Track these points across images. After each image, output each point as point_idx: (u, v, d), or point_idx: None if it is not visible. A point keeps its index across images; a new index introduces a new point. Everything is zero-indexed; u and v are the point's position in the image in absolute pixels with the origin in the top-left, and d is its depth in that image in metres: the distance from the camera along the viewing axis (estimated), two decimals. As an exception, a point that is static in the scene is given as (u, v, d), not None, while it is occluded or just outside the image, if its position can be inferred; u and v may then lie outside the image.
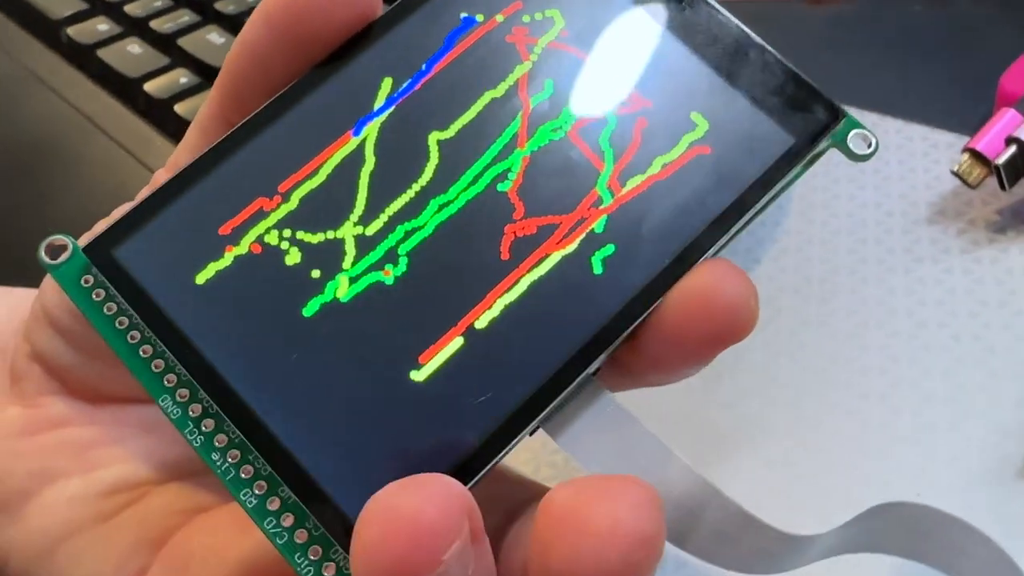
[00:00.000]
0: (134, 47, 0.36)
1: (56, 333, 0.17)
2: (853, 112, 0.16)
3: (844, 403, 0.24)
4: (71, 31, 0.37)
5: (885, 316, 0.26)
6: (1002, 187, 0.27)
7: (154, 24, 0.37)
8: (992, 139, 0.27)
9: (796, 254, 0.28)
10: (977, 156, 0.27)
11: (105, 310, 0.15)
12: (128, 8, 0.38)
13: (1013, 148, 0.26)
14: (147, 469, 0.18)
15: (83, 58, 0.36)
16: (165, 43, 0.36)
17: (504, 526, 0.16)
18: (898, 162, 0.31)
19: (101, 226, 0.16)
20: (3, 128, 0.35)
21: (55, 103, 0.35)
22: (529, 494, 0.16)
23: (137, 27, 0.37)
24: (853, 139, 0.16)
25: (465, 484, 0.14)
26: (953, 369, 0.25)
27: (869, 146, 0.16)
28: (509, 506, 0.16)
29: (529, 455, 0.25)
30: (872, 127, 0.32)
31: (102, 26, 0.37)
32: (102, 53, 0.36)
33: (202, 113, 0.17)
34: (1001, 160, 0.26)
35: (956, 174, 0.27)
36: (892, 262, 0.28)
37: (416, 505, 0.12)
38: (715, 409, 0.25)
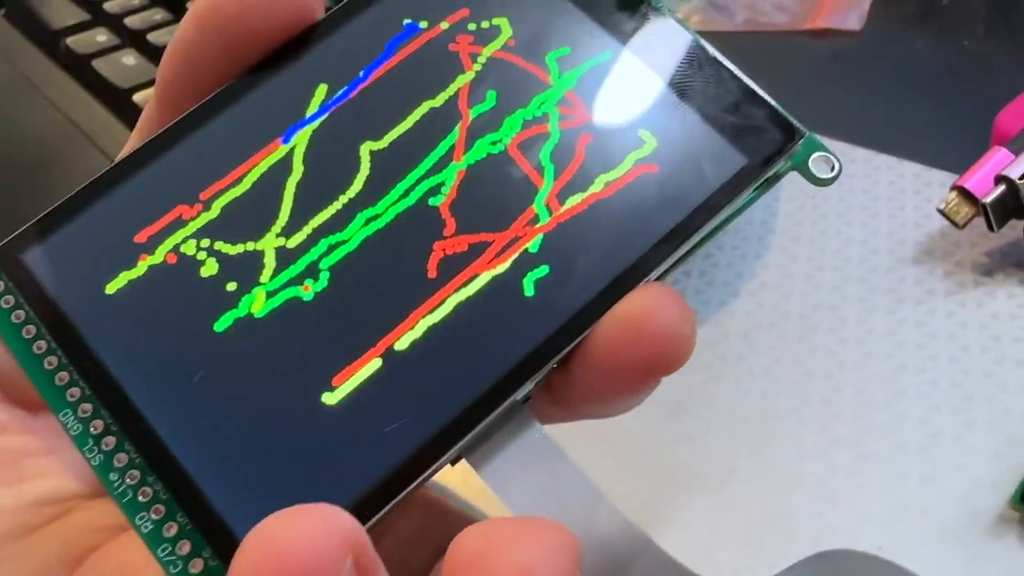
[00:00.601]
0: (129, 58, 0.36)
1: None
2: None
3: (814, 446, 0.24)
4: (70, 41, 0.37)
5: (863, 357, 0.25)
6: (990, 228, 0.26)
7: (151, 37, 0.37)
8: (981, 178, 0.26)
9: (776, 290, 0.28)
10: (965, 194, 0.26)
11: (13, 318, 0.14)
12: (128, 20, 0.38)
13: (1002, 187, 0.25)
14: (78, 483, 0.18)
15: (78, 68, 0.36)
16: (160, 55, 0.36)
17: (435, 560, 0.15)
18: (888, 199, 0.30)
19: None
20: (-4, 134, 0.35)
21: (47, 111, 0.36)
22: (465, 527, 0.16)
23: (135, 39, 0.37)
24: (815, 162, 0.15)
25: (371, 515, 0.13)
26: (929, 417, 0.23)
27: (832, 169, 0.15)
28: (443, 539, 0.16)
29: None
30: (864, 164, 0.32)
31: (101, 37, 0.37)
32: (97, 63, 0.36)
33: (142, 117, 0.17)
34: (989, 199, 0.25)
35: (943, 212, 0.26)
36: (874, 301, 0.27)
37: (292, 537, 0.11)
38: (678, 443, 0.24)
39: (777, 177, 0.15)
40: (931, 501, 0.22)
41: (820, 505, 0.22)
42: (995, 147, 0.27)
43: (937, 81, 0.35)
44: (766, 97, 0.15)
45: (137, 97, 0.32)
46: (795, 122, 0.15)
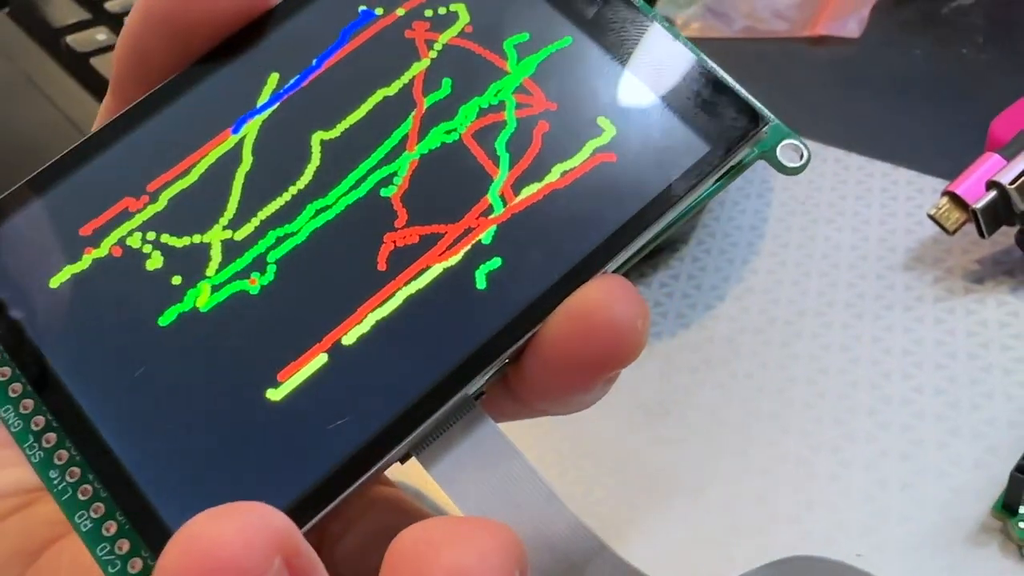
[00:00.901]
0: (127, 57, 0.36)
1: None
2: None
3: (794, 452, 0.23)
4: (70, 39, 0.37)
5: (847, 364, 0.25)
6: (980, 234, 0.25)
7: (151, 36, 0.37)
8: (973, 183, 0.26)
9: (763, 295, 0.27)
10: (956, 200, 0.26)
11: None
12: (128, 20, 0.38)
13: (993, 193, 0.25)
14: None
15: (77, 66, 0.37)
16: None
17: None
18: (880, 205, 0.29)
19: None
20: (-7, 130, 0.36)
21: (45, 108, 0.36)
22: None
23: (135, 38, 0.37)
24: (783, 150, 0.15)
25: (313, 514, 0.13)
26: (912, 424, 0.23)
27: (801, 157, 0.15)
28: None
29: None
30: (858, 170, 0.31)
31: (100, 36, 0.38)
32: (95, 61, 0.36)
33: (99, 112, 0.17)
34: (980, 205, 0.25)
35: (933, 218, 0.26)
36: (861, 307, 0.26)
37: (218, 535, 0.11)
38: (657, 445, 0.24)
39: (743, 166, 0.15)
40: (912, 508, 0.21)
41: (799, 511, 0.22)
42: (987, 153, 0.26)
43: (934, 89, 0.34)
44: (730, 82, 0.15)
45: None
46: (760, 108, 0.15)
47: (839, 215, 0.29)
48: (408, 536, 0.12)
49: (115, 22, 0.38)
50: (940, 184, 0.30)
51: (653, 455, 0.24)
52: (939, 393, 0.24)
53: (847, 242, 0.28)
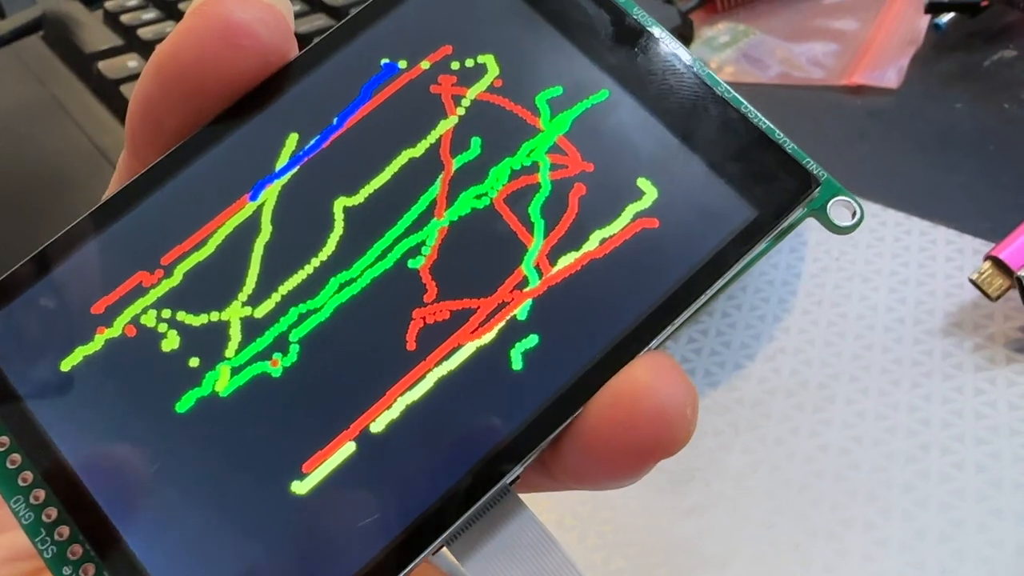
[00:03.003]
0: (156, 85, 0.36)
1: None
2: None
3: (825, 527, 0.22)
4: (101, 65, 0.38)
5: (883, 434, 0.24)
6: (1025, 303, 0.24)
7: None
8: (1017, 249, 0.25)
9: (794, 355, 0.26)
10: (999, 265, 0.25)
11: None
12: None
13: (1039, 262, 0.24)
14: None
15: (107, 92, 0.37)
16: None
17: None
18: (918, 265, 0.28)
19: None
20: (21, 153, 0.36)
21: (73, 134, 0.36)
22: None
23: (166, 66, 0.37)
24: (834, 207, 0.14)
25: None
26: (952, 503, 0.22)
27: (854, 216, 0.14)
28: None
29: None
30: (895, 227, 0.30)
31: (132, 62, 0.38)
32: (125, 89, 0.36)
33: (116, 170, 0.16)
34: (1025, 274, 0.24)
35: (975, 283, 0.25)
36: (898, 374, 0.25)
37: None
38: (681, 515, 0.23)
39: (791, 227, 0.14)
40: (950, 596, 0.20)
41: (829, 591, 0.21)
42: (1033, 218, 0.25)
43: (975, 144, 0.33)
44: (779, 140, 0.14)
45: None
46: (812, 167, 0.14)
47: (875, 274, 0.28)
48: None
49: (147, 49, 0.38)
50: (980, 245, 0.29)
51: (676, 523, 0.23)
52: (981, 470, 0.22)
53: (883, 303, 0.27)
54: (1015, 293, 0.25)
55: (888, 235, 0.30)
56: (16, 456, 0.13)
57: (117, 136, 0.35)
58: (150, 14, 0.40)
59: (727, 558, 0.22)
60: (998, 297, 0.25)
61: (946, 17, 0.38)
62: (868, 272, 0.28)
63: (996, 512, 0.22)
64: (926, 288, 0.28)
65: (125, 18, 0.40)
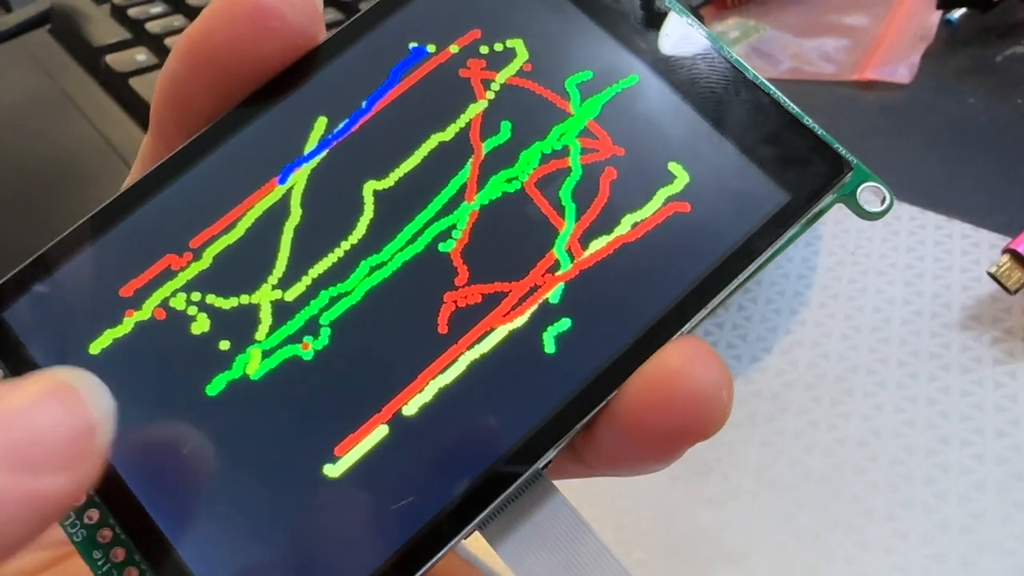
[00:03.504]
0: (166, 78, 0.36)
1: None
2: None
3: (845, 519, 0.22)
4: (109, 59, 0.37)
5: (901, 426, 0.24)
6: (1044, 296, 0.24)
7: (190, 58, 0.37)
8: (1036, 243, 0.25)
9: (812, 348, 0.26)
10: (1018, 258, 0.25)
11: None
12: (169, 41, 0.38)
13: (1058, 254, 0.24)
14: (42, 552, 0.17)
15: (116, 86, 0.36)
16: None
17: None
18: (934, 259, 0.28)
19: None
20: (30, 146, 0.36)
21: (82, 127, 0.36)
22: None
23: (174, 60, 0.37)
24: (863, 193, 0.14)
25: None
26: (972, 495, 0.22)
27: (883, 202, 0.14)
28: None
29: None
30: (910, 221, 0.30)
31: (140, 56, 0.38)
32: (134, 82, 0.36)
33: (139, 152, 0.16)
34: (1044, 266, 0.24)
35: (993, 276, 0.25)
36: (916, 367, 0.25)
37: None
38: (700, 506, 0.23)
39: (821, 212, 0.14)
40: (973, 588, 0.20)
41: (851, 584, 0.21)
42: (1051, 211, 0.25)
43: (988, 138, 0.33)
44: (810, 124, 0.14)
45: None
46: (843, 151, 0.14)
47: (891, 267, 0.28)
48: None
49: (155, 43, 0.38)
50: (996, 239, 0.29)
51: (695, 515, 0.23)
52: (1002, 463, 0.22)
53: (900, 296, 0.27)
54: (1033, 286, 0.25)
55: (903, 229, 0.29)
56: None
57: (127, 130, 0.35)
58: (158, 8, 0.40)
59: (747, 550, 0.22)
60: (1017, 290, 0.25)
61: (958, 12, 0.37)
62: (883, 266, 0.28)
63: (1018, 504, 0.22)
64: (942, 282, 0.27)
65: (133, 12, 0.40)
